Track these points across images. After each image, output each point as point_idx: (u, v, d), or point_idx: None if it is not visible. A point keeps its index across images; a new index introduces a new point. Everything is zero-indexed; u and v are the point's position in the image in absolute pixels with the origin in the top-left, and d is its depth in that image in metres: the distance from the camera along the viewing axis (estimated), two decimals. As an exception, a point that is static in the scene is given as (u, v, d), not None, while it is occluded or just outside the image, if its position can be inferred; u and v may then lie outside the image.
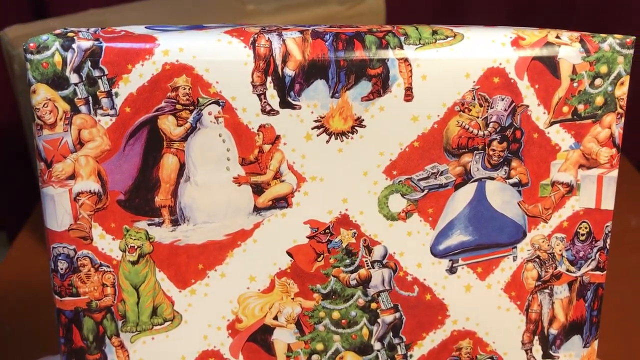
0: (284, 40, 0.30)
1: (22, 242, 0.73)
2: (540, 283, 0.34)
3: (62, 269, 0.31)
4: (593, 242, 0.33)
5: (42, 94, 0.29)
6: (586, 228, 0.33)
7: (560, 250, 0.33)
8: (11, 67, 0.64)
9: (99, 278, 0.31)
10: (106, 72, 0.29)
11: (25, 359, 0.35)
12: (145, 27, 0.31)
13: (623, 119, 0.32)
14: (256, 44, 0.30)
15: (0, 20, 0.75)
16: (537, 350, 0.34)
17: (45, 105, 0.29)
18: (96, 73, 0.29)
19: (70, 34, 0.29)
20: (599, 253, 0.34)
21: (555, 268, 0.34)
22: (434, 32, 0.31)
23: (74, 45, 0.29)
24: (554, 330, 0.34)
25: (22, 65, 0.60)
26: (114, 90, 0.30)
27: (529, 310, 0.34)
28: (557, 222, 0.33)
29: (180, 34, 0.30)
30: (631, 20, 0.85)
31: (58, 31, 0.30)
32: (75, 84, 0.29)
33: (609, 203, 0.33)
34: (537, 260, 0.33)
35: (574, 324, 0.34)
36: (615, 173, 0.33)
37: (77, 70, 0.29)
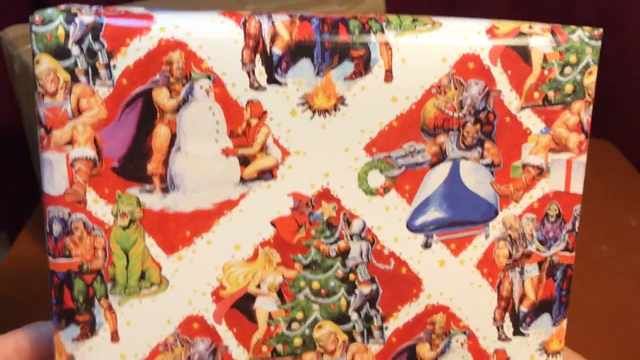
0: (273, 22, 0.32)
1: (22, 242, 0.75)
2: (511, 261, 0.35)
3: (56, 231, 0.33)
4: (562, 224, 0.35)
5: (45, 64, 0.31)
6: (555, 210, 0.35)
7: (530, 230, 0.35)
8: (11, 67, 0.65)
9: (90, 241, 0.33)
10: (105, 46, 0.31)
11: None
12: (145, 8, 0.33)
13: (591, 107, 0.34)
14: (247, 24, 0.32)
15: (0, 20, 0.77)
16: (508, 327, 0.36)
17: (48, 75, 0.31)
18: (96, 46, 0.31)
19: (73, 10, 0.32)
20: (568, 235, 0.35)
21: (526, 247, 0.35)
22: (414, 20, 0.33)
23: (76, 20, 0.31)
24: (524, 308, 0.36)
25: (22, 65, 0.61)
26: (112, 63, 0.32)
27: (500, 288, 0.36)
28: (528, 202, 0.35)
29: (177, 13, 0.32)
30: (632, 20, 0.86)
31: (62, 6, 0.32)
32: (76, 56, 0.31)
33: (577, 187, 0.35)
34: (509, 238, 0.35)
35: (544, 302, 0.36)
36: (584, 158, 0.35)
37: (79, 42, 0.31)
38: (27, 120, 0.69)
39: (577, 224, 0.36)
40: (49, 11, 0.31)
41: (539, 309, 0.36)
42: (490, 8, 0.89)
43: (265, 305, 0.35)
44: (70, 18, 0.31)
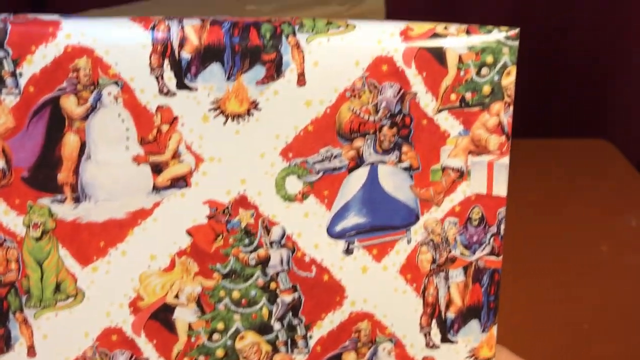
0: (182, 27, 0.32)
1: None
2: (435, 266, 0.35)
3: None
4: (486, 228, 0.35)
5: None
6: (478, 213, 0.34)
7: (453, 234, 0.34)
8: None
9: (3, 253, 0.32)
10: (10, 53, 0.31)
11: None
12: (59, 15, 0.33)
13: (511, 107, 0.34)
14: (155, 29, 0.32)
15: (0, 20, 0.76)
16: (436, 334, 0.35)
17: None
18: (1, 54, 0.31)
19: None
20: (493, 238, 0.35)
21: (450, 252, 0.35)
22: (328, 23, 0.33)
23: None
24: (451, 315, 0.35)
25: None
26: (18, 71, 0.31)
27: (426, 294, 0.35)
28: (449, 206, 0.34)
29: (86, 20, 0.32)
30: (631, 20, 0.86)
31: None
32: None
33: (501, 189, 0.34)
34: (431, 243, 0.34)
35: (471, 308, 0.35)
36: (506, 160, 0.34)
37: None
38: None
39: (502, 227, 0.35)
40: None
41: (466, 315, 0.35)
42: (489, 5, 0.87)
43: (184, 316, 0.34)
44: None
